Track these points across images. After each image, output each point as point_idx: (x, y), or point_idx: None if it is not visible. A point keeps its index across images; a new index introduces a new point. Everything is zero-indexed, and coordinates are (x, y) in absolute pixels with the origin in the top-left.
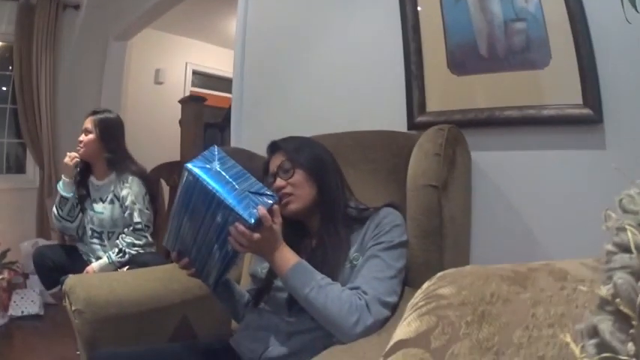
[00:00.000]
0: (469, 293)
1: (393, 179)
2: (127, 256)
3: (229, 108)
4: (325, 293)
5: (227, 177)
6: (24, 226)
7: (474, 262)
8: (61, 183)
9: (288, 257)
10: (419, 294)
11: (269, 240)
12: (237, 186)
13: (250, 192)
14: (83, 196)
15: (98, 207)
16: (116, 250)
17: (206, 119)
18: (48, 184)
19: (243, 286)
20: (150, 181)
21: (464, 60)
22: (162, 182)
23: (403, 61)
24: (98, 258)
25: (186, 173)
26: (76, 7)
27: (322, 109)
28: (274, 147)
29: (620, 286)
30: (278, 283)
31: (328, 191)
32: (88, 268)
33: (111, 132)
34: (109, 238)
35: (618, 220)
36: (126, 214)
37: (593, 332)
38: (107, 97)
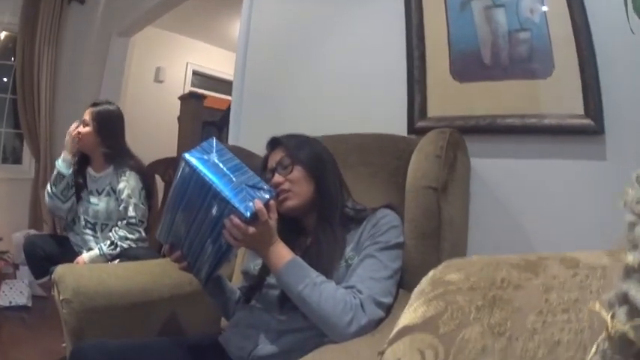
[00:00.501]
0: (478, 279)
1: (392, 182)
2: (118, 248)
3: (228, 108)
4: (319, 291)
5: (224, 169)
6: (17, 216)
7: None
8: (60, 159)
9: (282, 253)
10: (425, 280)
11: (264, 235)
12: (234, 179)
13: (247, 185)
14: (80, 186)
15: (94, 199)
16: (108, 242)
17: (204, 119)
18: (43, 176)
19: (235, 284)
20: (147, 176)
21: (467, 67)
22: (158, 178)
23: (406, 66)
24: (89, 249)
25: (183, 163)
26: (81, 1)
27: (322, 111)
28: (275, 142)
29: None
30: (270, 280)
31: (326, 189)
32: (79, 259)
33: (108, 126)
34: (102, 230)
35: (637, 193)
36: (121, 208)
37: (623, 299)
38: (107, 92)
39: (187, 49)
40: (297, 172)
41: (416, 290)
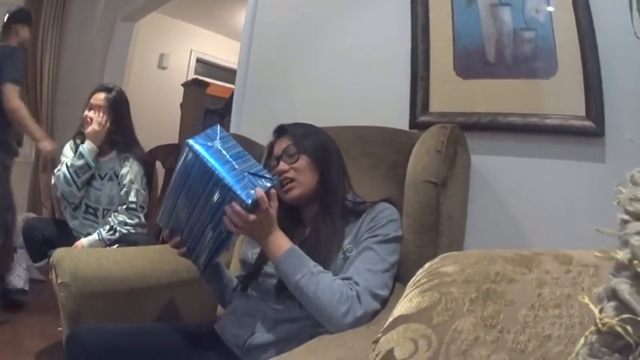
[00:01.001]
0: (473, 272)
1: (392, 175)
2: (117, 234)
3: (230, 96)
4: (317, 281)
5: (227, 156)
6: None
7: None
8: (87, 150)
9: (281, 242)
10: (421, 272)
11: (264, 223)
12: (236, 166)
13: (249, 173)
14: None
15: (96, 183)
16: (107, 227)
17: (206, 107)
18: (43, 160)
19: (233, 273)
20: (149, 163)
21: (471, 64)
22: (159, 165)
23: (410, 61)
24: (88, 234)
25: (187, 149)
26: None
27: (324, 102)
28: (281, 130)
29: (637, 248)
30: (268, 269)
31: (330, 180)
32: (77, 243)
33: (123, 112)
34: (103, 216)
35: (630, 192)
36: (122, 192)
37: (612, 295)
38: (110, 77)
39: (191, 36)
40: (303, 161)
41: (412, 281)
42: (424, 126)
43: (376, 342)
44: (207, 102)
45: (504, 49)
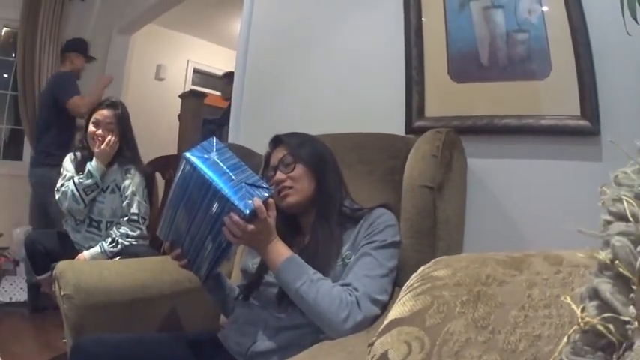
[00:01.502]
0: (464, 275)
1: (389, 181)
2: (119, 246)
3: (228, 107)
4: (316, 288)
5: (224, 168)
6: (17, 212)
7: None
8: (95, 169)
9: (281, 251)
10: (414, 276)
11: (263, 232)
12: (233, 177)
13: (247, 184)
14: None
15: (99, 196)
16: (109, 239)
17: (204, 117)
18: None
19: (234, 282)
20: (149, 176)
21: (465, 67)
22: (158, 176)
23: (404, 66)
24: (90, 247)
25: (184, 162)
26: None
27: (321, 110)
28: (277, 141)
29: (617, 248)
30: (268, 277)
31: (327, 188)
32: (80, 256)
33: (128, 127)
34: (106, 229)
35: (614, 193)
36: (124, 204)
37: (594, 294)
38: (108, 90)
39: (188, 46)
40: (299, 170)
41: (405, 285)
42: (420, 131)
43: (371, 345)
44: (204, 112)
45: (498, 51)
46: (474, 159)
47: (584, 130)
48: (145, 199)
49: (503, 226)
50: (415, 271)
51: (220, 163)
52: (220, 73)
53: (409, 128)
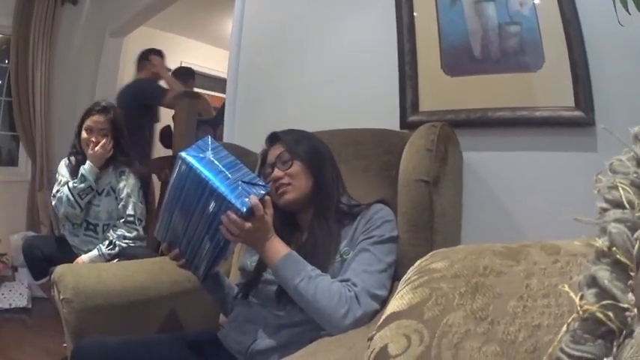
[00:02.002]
0: (462, 266)
1: (385, 176)
2: (117, 248)
3: (222, 106)
4: (315, 284)
5: (220, 166)
6: (14, 218)
7: None
8: (88, 172)
9: (279, 248)
10: (412, 270)
11: (260, 230)
12: (229, 175)
13: (243, 182)
14: None
15: (95, 199)
16: (107, 242)
17: (199, 117)
18: (40, 178)
19: (233, 281)
20: (145, 177)
21: (457, 61)
22: (154, 177)
23: (397, 61)
24: (88, 251)
25: (179, 162)
26: (74, 2)
27: (315, 107)
28: (274, 138)
29: (615, 235)
30: (267, 275)
31: (324, 184)
32: (78, 260)
33: (122, 131)
34: (103, 232)
35: (609, 180)
36: (120, 206)
37: (592, 282)
38: (101, 92)
39: (181, 47)
40: (297, 167)
41: (403, 278)
42: (415, 125)
43: (370, 339)
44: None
45: (490, 44)
46: (469, 152)
47: (578, 121)
48: (141, 200)
49: (500, 218)
50: (412, 264)
51: (216, 162)
52: (214, 73)
53: (404, 123)
